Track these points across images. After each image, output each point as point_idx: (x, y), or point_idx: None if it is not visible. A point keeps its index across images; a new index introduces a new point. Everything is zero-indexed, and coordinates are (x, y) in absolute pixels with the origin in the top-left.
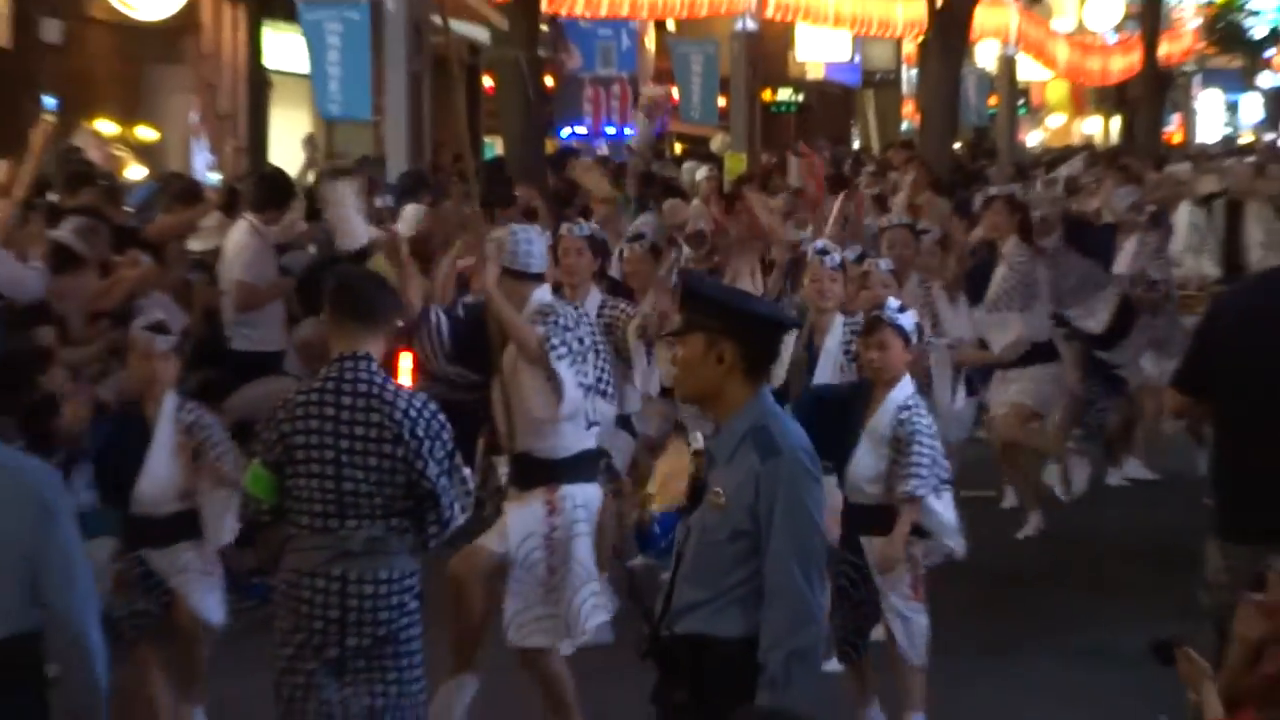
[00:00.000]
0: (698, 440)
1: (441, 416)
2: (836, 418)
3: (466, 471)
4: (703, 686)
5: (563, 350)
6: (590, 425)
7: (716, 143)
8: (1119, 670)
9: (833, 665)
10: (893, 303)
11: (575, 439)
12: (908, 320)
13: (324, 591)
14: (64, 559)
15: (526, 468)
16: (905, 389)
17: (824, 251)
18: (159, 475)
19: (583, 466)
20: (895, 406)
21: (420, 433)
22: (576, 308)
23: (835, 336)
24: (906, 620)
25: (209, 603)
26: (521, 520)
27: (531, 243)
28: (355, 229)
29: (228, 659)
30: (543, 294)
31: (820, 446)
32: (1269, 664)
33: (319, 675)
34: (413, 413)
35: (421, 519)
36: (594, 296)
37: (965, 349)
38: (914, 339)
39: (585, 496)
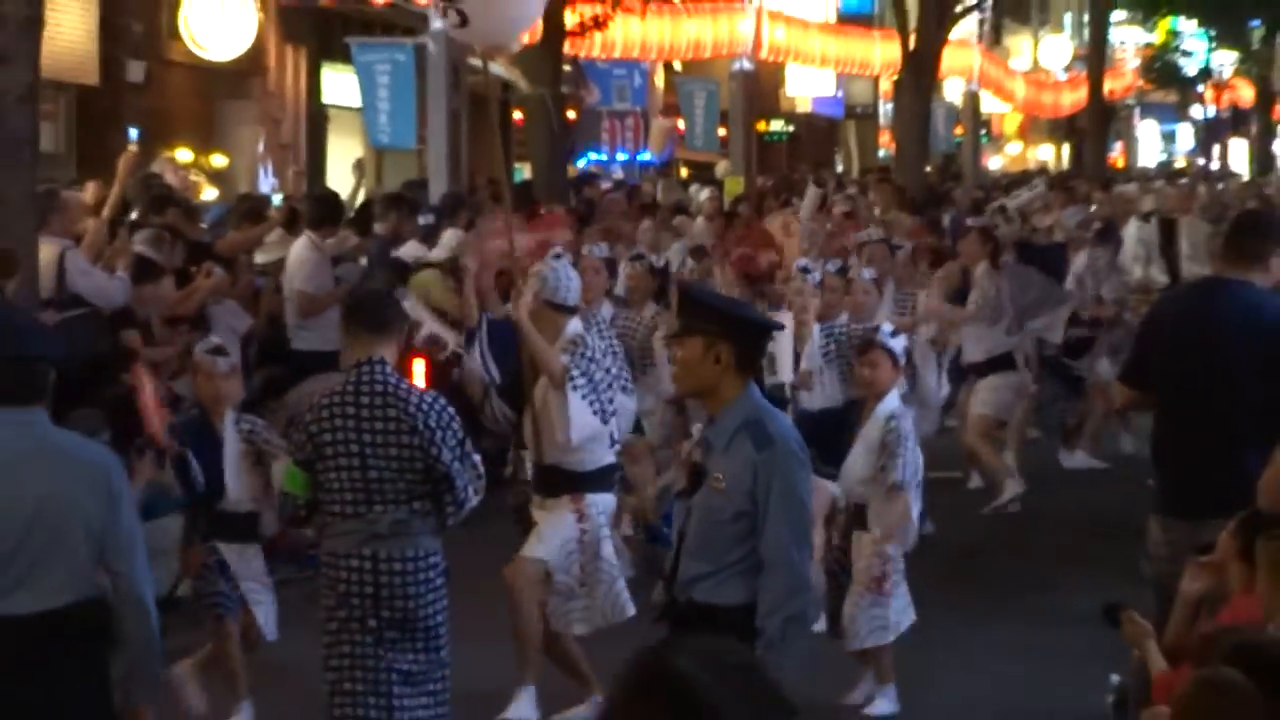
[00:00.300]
0: (696, 430)
1: (451, 409)
2: (835, 433)
3: (477, 458)
4: None
5: (581, 381)
6: (613, 444)
7: (721, 169)
8: (1073, 631)
9: (818, 626)
10: (886, 327)
11: (600, 454)
12: (898, 344)
13: (358, 570)
14: (127, 535)
15: (554, 479)
16: (891, 401)
17: (806, 270)
18: (235, 478)
19: (604, 478)
20: (883, 417)
21: (432, 423)
22: (598, 331)
23: (814, 343)
24: (860, 609)
25: (267, 617)
26: (558, 531)
27: (570, 278)
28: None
29: (287, 625)
30: (575, 325)
31: (824, 458)
32: (1205, 624)
33: (362, 645)
34: (424, 406)
35: (440, 501)
36: (606, 308)
37: (939, 309)
38: (901, 360)
39: (605, 504)
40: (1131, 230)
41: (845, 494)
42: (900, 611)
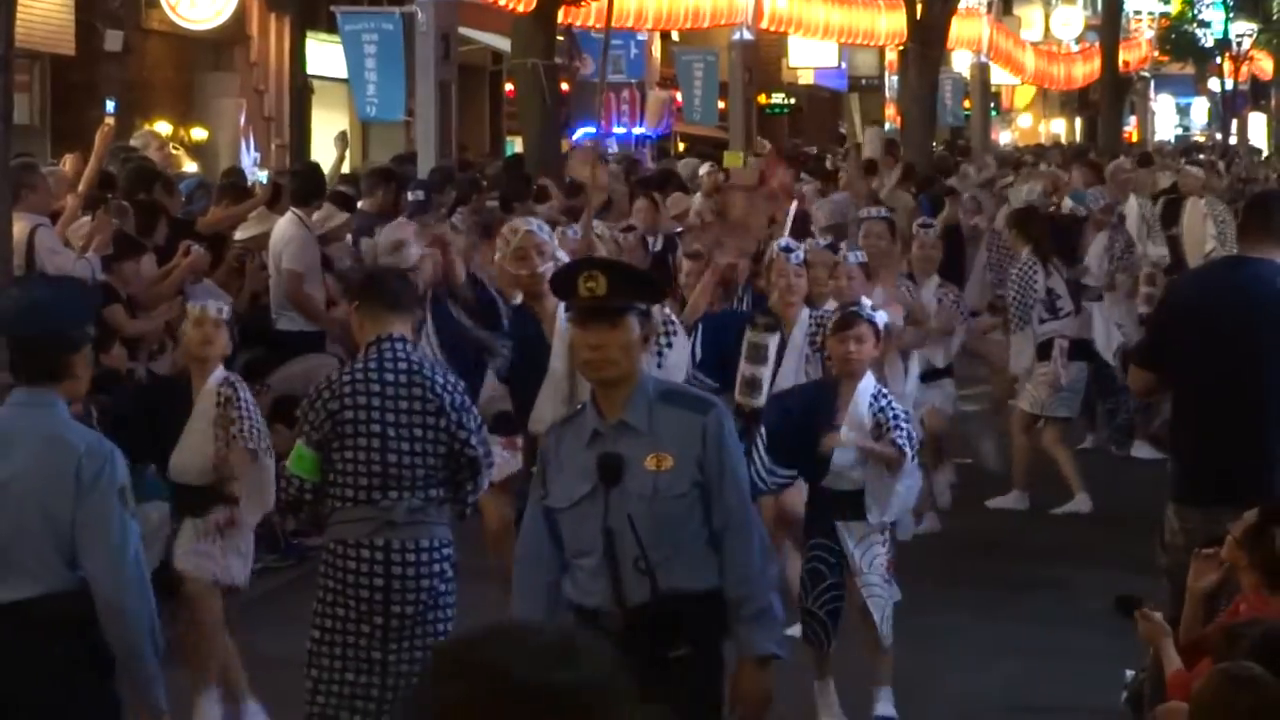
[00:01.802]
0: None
1: (468, 393)
2: (803, 422)
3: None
4: (701, 638)
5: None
6: None
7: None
8: (1084, 626)
9: (793, 631)
10: (865, 300)
11: None
12: (880, 317)
13: (369, 561)
14: (93, 526)
15: None
16: (871, 379)
17: (788, 249)
18: (194, 447)
19: None
20: (869, 396)
21: (458, 404)
22: None
23: (801, 329)
24: (883, 600)
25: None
26: None
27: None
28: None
29: (266, 617)
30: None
31: (792, 453)
32: (1225, 615)
33: (355, 648)
34: (450, 386)
35: (459, 487)
36: None
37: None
38: (883, 335)
39: None
40: (1133, 207)
41: (831, 482)
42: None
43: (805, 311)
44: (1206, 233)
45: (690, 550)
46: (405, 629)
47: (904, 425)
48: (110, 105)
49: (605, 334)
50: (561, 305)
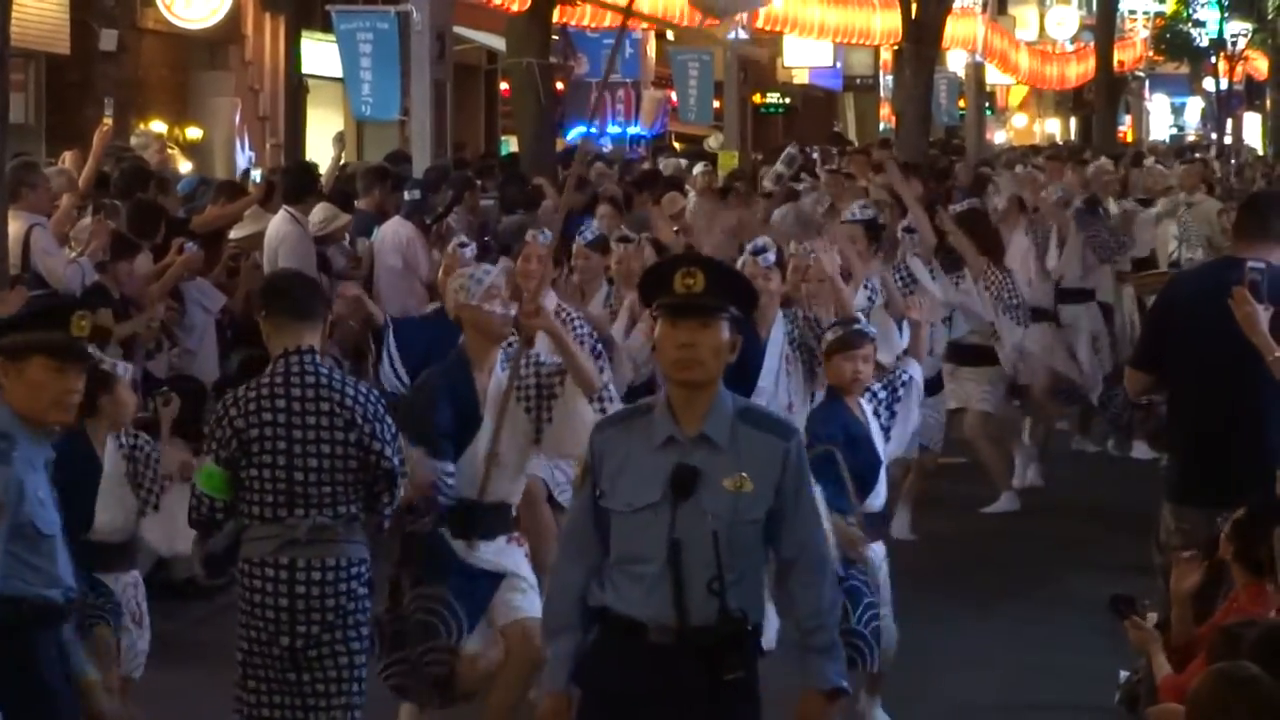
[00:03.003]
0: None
1: (384, 401)
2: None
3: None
4: (750, 664)
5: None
6: None
7: (713, 141)
8: (1080, 623)
9: None
10: (863, 318)
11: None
12: (874, 330)
13: (273, 580)
14: None
15: (497, 516)
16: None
17: (758, 251)
18: (106, 508)
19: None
20: (870, 409)
21: (370, 415)
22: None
23: (779, 328)
24: (889, 624)
25: (133, 651)
26: (531, 575)
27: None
28: None
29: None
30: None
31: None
32: (1220, 613)
33: (276, 666)
34: (360, 398)
35: (376, 499)
36: (550, 299)
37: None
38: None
39: None
40: (1113, 211)
41: (864, 508)
42: None
43: (779, 312)
44: (1168, 234)
45: (751, 578)
46: (313, 649)
47: (894, 419)
48: (107, 105)
49: (696, 333)
50: (499, 360)
